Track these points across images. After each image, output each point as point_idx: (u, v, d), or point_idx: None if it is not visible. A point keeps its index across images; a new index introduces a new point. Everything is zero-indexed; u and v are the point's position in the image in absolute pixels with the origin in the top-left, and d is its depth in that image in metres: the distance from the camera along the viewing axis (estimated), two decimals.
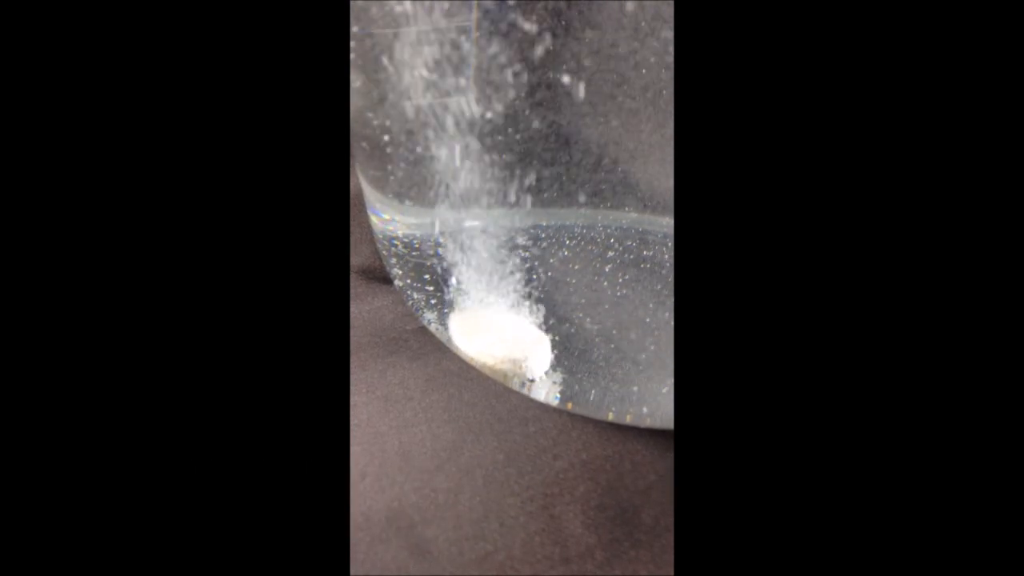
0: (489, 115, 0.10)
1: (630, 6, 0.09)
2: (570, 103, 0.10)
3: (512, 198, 0.11)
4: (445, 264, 0.13)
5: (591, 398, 0.14)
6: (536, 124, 0.10)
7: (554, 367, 0.13)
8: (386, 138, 0.12)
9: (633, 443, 0.14)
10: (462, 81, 0.10)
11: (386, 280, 0.21)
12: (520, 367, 0.14)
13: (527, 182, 0.11)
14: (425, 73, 0.11)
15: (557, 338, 0.13)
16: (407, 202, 0.13)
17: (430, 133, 0.11)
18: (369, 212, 0.16)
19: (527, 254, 0.12)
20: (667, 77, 0.10)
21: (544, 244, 0.12)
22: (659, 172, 0.11)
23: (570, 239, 0.12)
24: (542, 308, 0.13)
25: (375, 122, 0.12)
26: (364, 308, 0.20)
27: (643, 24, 0.09)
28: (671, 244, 0.11)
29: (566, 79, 0.10)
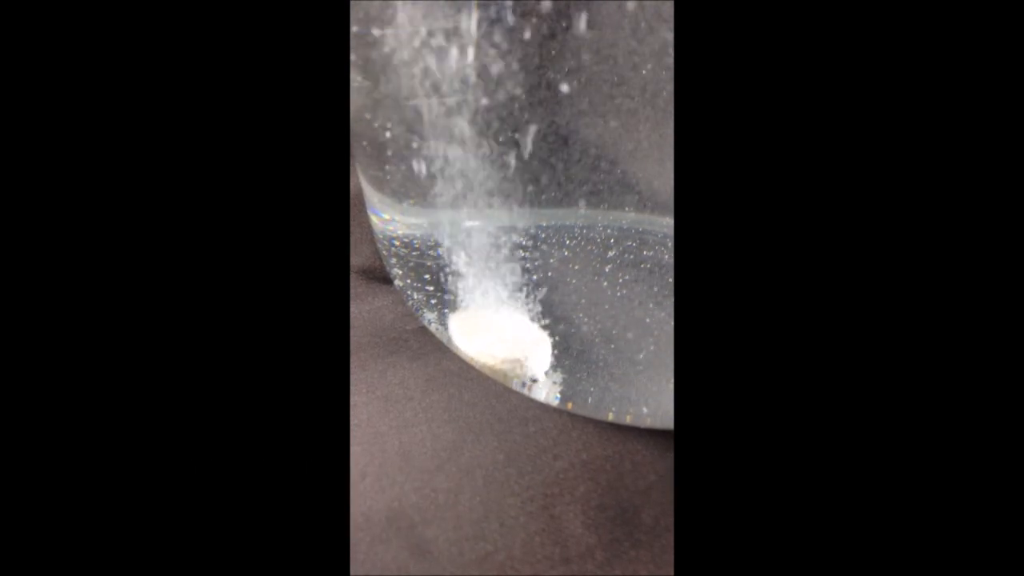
0: (489, 115, 0.10)
1: (630, 6, 0.09)
2: (570, 103, 0.10)
3: (512, 198, 0.11)
4: (445, 264, 0.13)
5: (591, 398, 0.14)
6: (536, 124, 0.10)
7: (554, 367, 0.13)
8: (386, 138, 0.12)
9: (633, 443, 0.14)
10: (462, 81, 0.10)
11: (386, 280, 0.21)
12: (520, 367, 0.14)
13: (527, 182, 0.11)
14: (425, 73, 0.11)
15: (557, 338, 0.13)
16: (407, 202, 0.13)
17: (430, 133, 0.11)
18: (369, 212, 0.16)
19: (527, 254, 0.12)
20: (667, 77, 0.10)
21: (544, 244, 0.12)
22: (659, 172, 0.11)
23: (570, 239, 0.12)
24: (542, 308, 0.13)
25: (375, 122, 0.12)
26: (364, 308, 0.20)
27: (643, 24, 0.09)
28: (671, 244, 0.11)
29: (565, 88, 0.10)
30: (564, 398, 0.14)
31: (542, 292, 0.12)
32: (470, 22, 0.10)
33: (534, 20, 0.09)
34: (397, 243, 0.14)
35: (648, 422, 0.13)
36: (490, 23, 0.10)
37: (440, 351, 0.17)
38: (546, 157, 0.11)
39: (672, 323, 0.12)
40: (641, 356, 0.12)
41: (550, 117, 0.10)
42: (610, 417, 0.14)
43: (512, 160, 0.11)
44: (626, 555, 0.12)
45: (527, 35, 0.10)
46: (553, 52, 0.10)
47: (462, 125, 0.11)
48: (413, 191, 0.13)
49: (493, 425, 0.15)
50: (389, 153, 0.12)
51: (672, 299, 0.12)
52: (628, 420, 0.14)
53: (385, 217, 0.14)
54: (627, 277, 0.12)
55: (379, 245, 0.16)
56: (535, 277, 0.12)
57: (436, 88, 0.11)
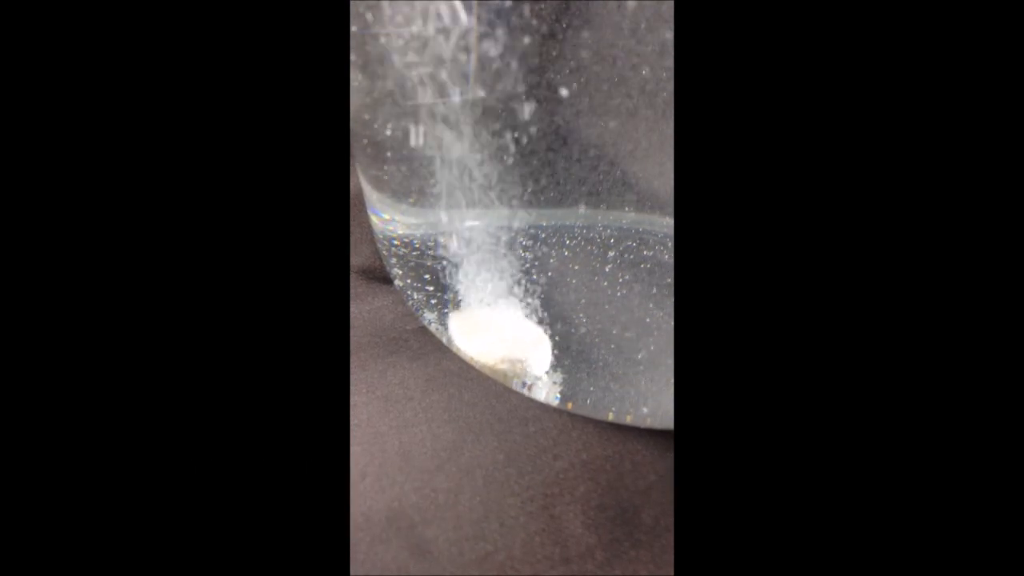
0: (489, 115, 0.10)
1: (630, 5, 0.09)
2: (569, 103, 0.10)
3: (512, 198, 0.11)
4: (445, 264, 0.13)
5: (591, 398, 0.14)
6: (536, 124, 0.10)
7: (554, 367, 0.13)
8: (386, 138, 0.12)
9: (633, 443, 0.14)
10: (462, 81, 0.10)
11: (386, 280, 0.21)
12: (520, 367, 0.14)
13: (527, 182, 0.11)
14: (425, 73, 0.10)
15: (557, 338, 0.13)
16: (407, 202, 0.13)
17: (430, 133, 0.11)
18: (369, 212, 0.16)
19: (527, 254, 0.12)
20: (666, 76, 0.10)
21: (544, 244, 0.12)
22: (659, 172, 0.11)
23: (570, 239, 0.12)
24: (542, 308, 0.13)
25: (375, 122, 0.12)
26: (364, 308, 0.20)
27: (642, 24, 0.09)
28: (671, 244, 0.11)
29: (564, 91, 0.10)
30: (564, 398, 0.14)
31: (542, 292, 0.12)
32: (470, 21, 0.10)
33: (534, 20, 0.09)
34: (397, 243, 0.14)
35: (648, 422, 0.13)
36: (490, 23, 0.10)
37: (440, 351, 0.17)
38: (546, 157, 0.11)
39: (672, 323, 0.12)
40: (641, 356, 0.12)
41: (550, 117, 0.10)
42: (610, 417, 0.14)
43: (512, 160, 0.11)
44: (626, 555, 0.12)
45: (527, 35, 0.10)
46: (553, 52, 0.10)
47: (462, 125, 0.11)
48: (413, 191, 0.13)
49: (493, 425, 0.15)
50: (389, 153, 0.12)
51: (672, 299, 0.12)
52: (628, 420, 0.14)
53: (385, 217, 0.14)
54: (627, 277, 0.12)
55: (379, 245, 0.16)
56: (535, 277, 0.12)
57: (436, 88, 0.11)
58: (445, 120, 0.11)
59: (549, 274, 0.12)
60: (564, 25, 0.09)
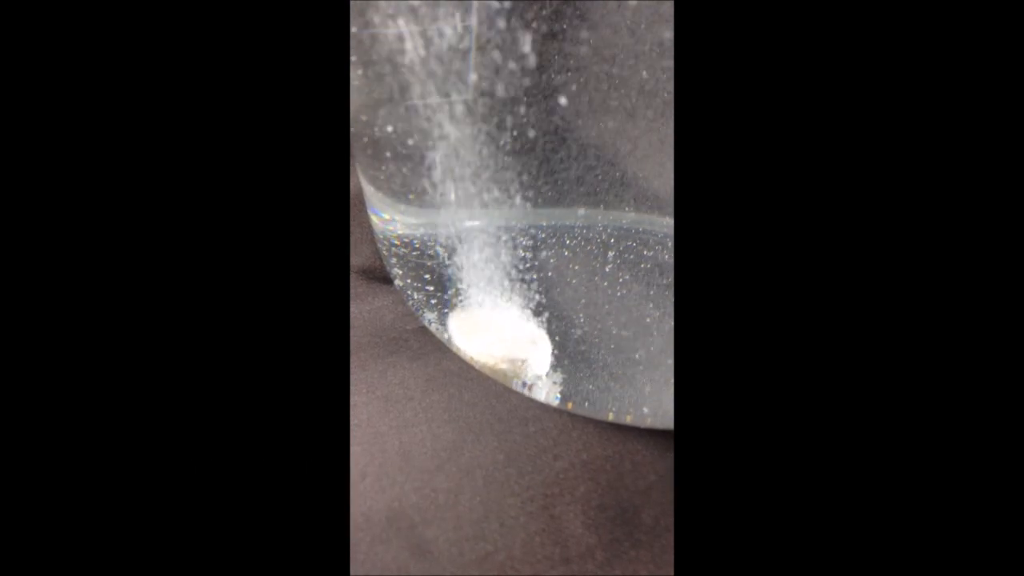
0: (489, 115, 0.10)
1: (630, 5, 0.09)
2: (569, 103, 0.10)
3: (512, 198, 0.11)
4: (445, 264, 0.13)
5: (591, 398, 0.14)
6: (535, 124, 0.10)
7: (554, 367, 0.13)
8: (386, 138, 0.12)
9: (633, 443, 0.14)
10: (462, 81, 0.10)
11: (386, 280, 0.21)
12: (520, 367, 0.14)
13: (527, 182, 0.11)
14: (425, 73, 0.10)
15: (557, 338, 0.13)
16: (407, 202, 0.13)
17: (430, 133, 0.11)
18: (369, 212, 0.16)
19: (527, 254, 0.12)
20: (666, 77, 0.10)
21: (544, 244, 0.12)
22: (659, 172, 0.11)
23: (570, 239, 0.12)
24: (542, 308, 0.13)
25: (375, 122, 0.12)
26: (364, 308, 0.20)
27: (642, 25, 0.09)
28: (671, 244, 0.11)
29: (563, 100, 0.10)
30: (564, 398, 0.14)
31: (542, 292, 0.12)
32: (470, 21, 0.10)
33: (534, 20, 0.09)
34: (397, 243, 0.14)
35: (648, 422, 0.13)
36: (490, 22, 0.10)
37: (440, 351, 0.17)
38: (546, 157, 0.11)
39: (672, 323, 0.12)
40: (641, 356, 0.12)
41: (549, 117, 0.10)
42: (610, 417, 0.14)
43: (512, 160, 0.11)
44: (626, 555, 0.12)
45: (527, 35, 0.10)
46: (553, 52, 0.10)
47: (462, 124, 0.11)
48: (412, 191, 0.13)
49: (493, 425, 0.15)
50: (389, 153, 0.12)
51: (672, 299, 0.12)
52: (628, 420, 0.14)
53: (385, 217, 0.14)
54: (627, 277, 0.12)
55: (379, 245, 0.16)
56: (535, 277, 0.12)
57: (436, 88, 0.11)
58: (445, 120, 0.11)
59: (549, 274, 0.12)
60: (564, 25, 0.09)
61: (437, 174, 0.12)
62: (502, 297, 0.13)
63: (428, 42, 0.10)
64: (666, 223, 0.11)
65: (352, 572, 0.12)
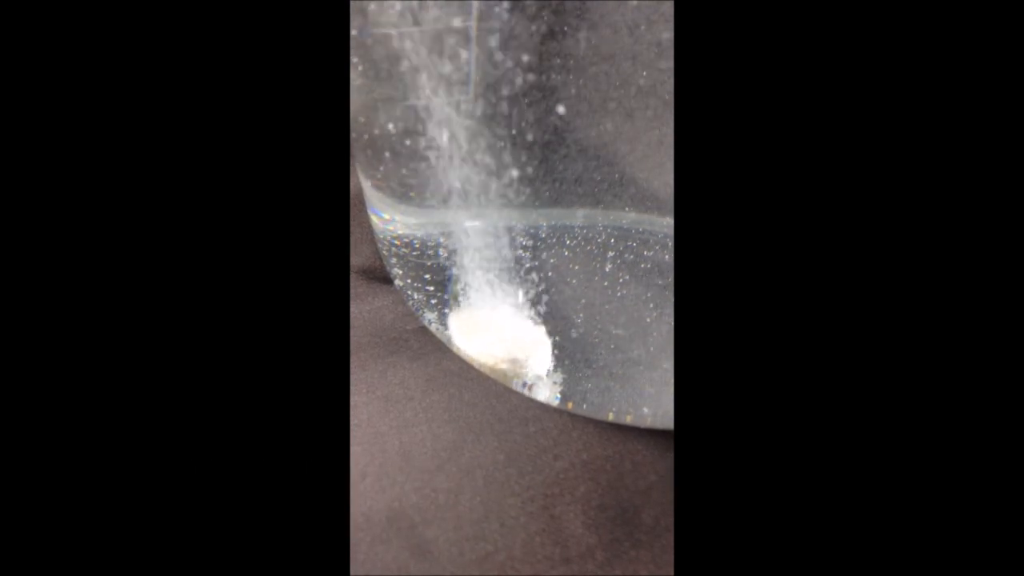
0: (489, 115, 0.10)
1: (631, 5, 0.09)
2: (569, 103, 0.10)
3: (512, 198, 0.11)
4: (445, 264, 0.13)
5: (591, 398, 0.14)
6: (535, 124, 0.10)
7: (554, 367, 0.13)
8: (386, 138, 0.12)
9: (633, 443, 0.14)
10: (462, 81, 0.10)
11: (386, 280, 0.21)
12: (520, 367, 0.14)
13: (526, 182, 0.11)
14: (425, 73, 0.10)
15: (557, 338, 0.13)
16: (407, 202, 0.13)
17: (430, 133, 0.11)
18: (369, 212, 0.16)
19: (527, 254, 0.12)
20: (666, 77, 0.10)
21: (544, 244, 0.12)
22: (659, 172, 0.11)
23: (570, 239, 0.12)
24: (542, 308, 0.13)
25: (375, 122, 0.12)
26: (364, 308, 0.20)
27: (642, 26, 0.09)
28: (671, 244, 0.11)
29: (561, 108, 0.10)
30: (564, 398, 0.14)
31: (542, 292, 0.12)
32: (470, 21, 0.10)
33: (534, 20, 0.09)
34: (397, 243, 0.14)
35: (648, 422, 0.13)
36: (490, 22, 0.10)
37: (440, 351, 0.17)
38: (546, 157, 0.11)
39: (672, 323, 0.12)
40: (641, 356, 0.12)
41: (549, 117, 0.10)
42: (610, 417, 0.14)
43: (512, 160, 0.11)
44: (626, 555, 0.12)
45: (527, 35, 0.10)
46: (553, 52, 0.10)
47: (462, 124, 0.11)
48: (413, 190, 0.13)
49: (493, 425, 0.15)
50: (388, 153, 0.12)
51: (672, 299, 0.12)
52: (628, 420, 0.14)
53: (385, 217, 0.14)
54: (627, 277, 0.12)
55: (379, 245, 0.16)
56: (535, 277, 0.12)
57: (436, 88, 0.11)
58: (445, 120, 0.11)
59: (549, 274, 0.12)
60: (563, 25, 0.09)
61: (437, 174, 0.12)
62: (502, 297, 0.13)
63: (428, 42, 0.10)
64: (666, 223, 0.11)
65: (352, 572, 0.12)
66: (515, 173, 0.11)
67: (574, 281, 0.12)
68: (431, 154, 0.12)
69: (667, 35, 0.09)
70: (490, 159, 0.11)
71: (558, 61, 0.10)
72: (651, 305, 0.12)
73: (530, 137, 0.10)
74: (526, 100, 0.10)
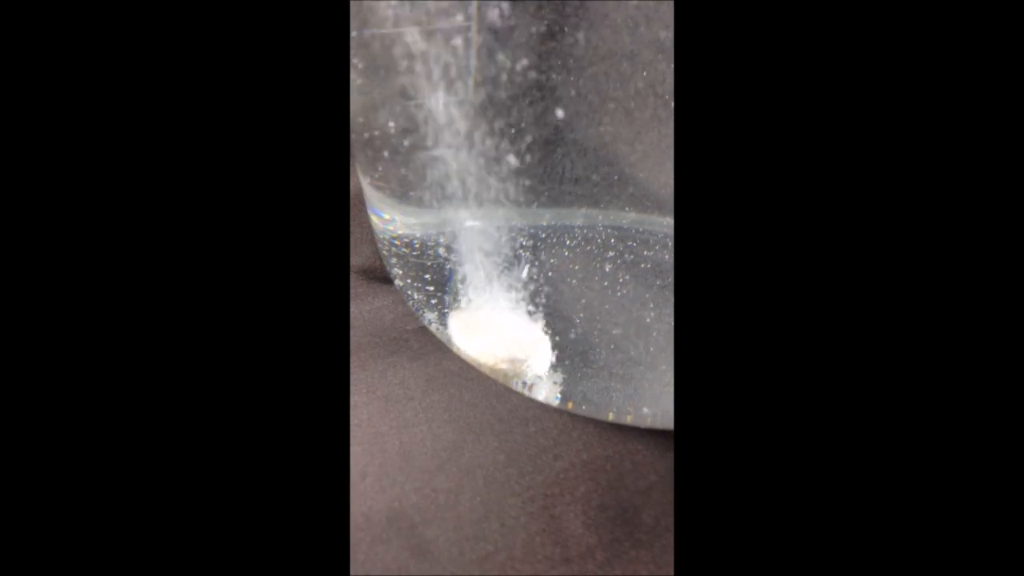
0: (489, 114, 0.10)
1: (630, 5, 0.09)
2: (569, 104, 0.10)
3: (512, 198, 0.11)
4: (445, 264, 0.13)
5: (591, 398, 0.14)
6: (535, 124, 0.10)
7: (554, 367, 0.13)
8: (386, 138, 0.12)
9: (633, 443, 0.14)
10: (461, 81, 0.10)
11: (386, 280, 0.21)
12: (520, 367, 0.14)
13: (526, 182, 0.11)
14: (424, 73, 0.10)
15: (557, 338, 0.13)
16: (407, 202, 0.13)
17: (430, 133, 0.11)
18: (369, 212, 0.16)
19: (527, 254, 0.12)
20: (666, 77, 0.10)
21: (544, 244, 0.12)
22: (659, 172, 0.11)
23: (570, 239, 0.12)
24: (542, 308, 0.13)
25: (375, 122, 0.12)
26: (364, 308, 0.20)
27: (642, 26, 0.09)
28: (671, 244, 0.11)
29: (560, 113, 0.10)
30: (564, 398, 0.14)
31: (542, 291, 0.12)
32: (470, 21, 0.10)
33: (533, 20, 0.09)
34: (397, 243, 0.14)
35: (648, 422, 0.13)
36: (490, 22, 0.10)
37: (440, 351, 0.17)
38: (546, 157, 0.11)
39: (672, 323, 0.12)
40: (641, 356, 0.12)
41: (549, 116, 0.10)
42: (610, 417, 0.14)
43: (512, 160, 0.11)
44: (626, 555, 0.12)
45: (526, 35, 0.10)
46: (553, 52, 0.10)
47: (461, 124, 0.11)
48: (413, 191, 0.13)
49: (493, 425, 0.15)
50: (388, 153, 0.12)
51: (672, 299, 0.12)
52: (628, 420, 0.14)
53: (385, 217, 0.14)
54: (627, 277, 0.12)
55: (379, 245, 0.16)
56: (535, 276, 0.12)
57: (436, 88, 0.11)
58: (445, 120, 0.11)
59: (549, 274, 0.12)
60: (563, 25, 0.09)
61: (437, 174, 0.12)
62: (502, 297, 0.13)
63: (428, 42, 0.10)
64: (666, 223, 0.11)
65: (352, 572, 0.12)
66: (515, 173, 0.11)
67: (574, 281, 0.12)
68: (431, 154, 0.12)
69: (667, 35, 0.09)
70: (490, 159, 0.11)
71: (558, 61, 0.10)
72: (651, 305, 0.12)
73: (530, 137, 0.10)
74: (526, 100, 0.10)
